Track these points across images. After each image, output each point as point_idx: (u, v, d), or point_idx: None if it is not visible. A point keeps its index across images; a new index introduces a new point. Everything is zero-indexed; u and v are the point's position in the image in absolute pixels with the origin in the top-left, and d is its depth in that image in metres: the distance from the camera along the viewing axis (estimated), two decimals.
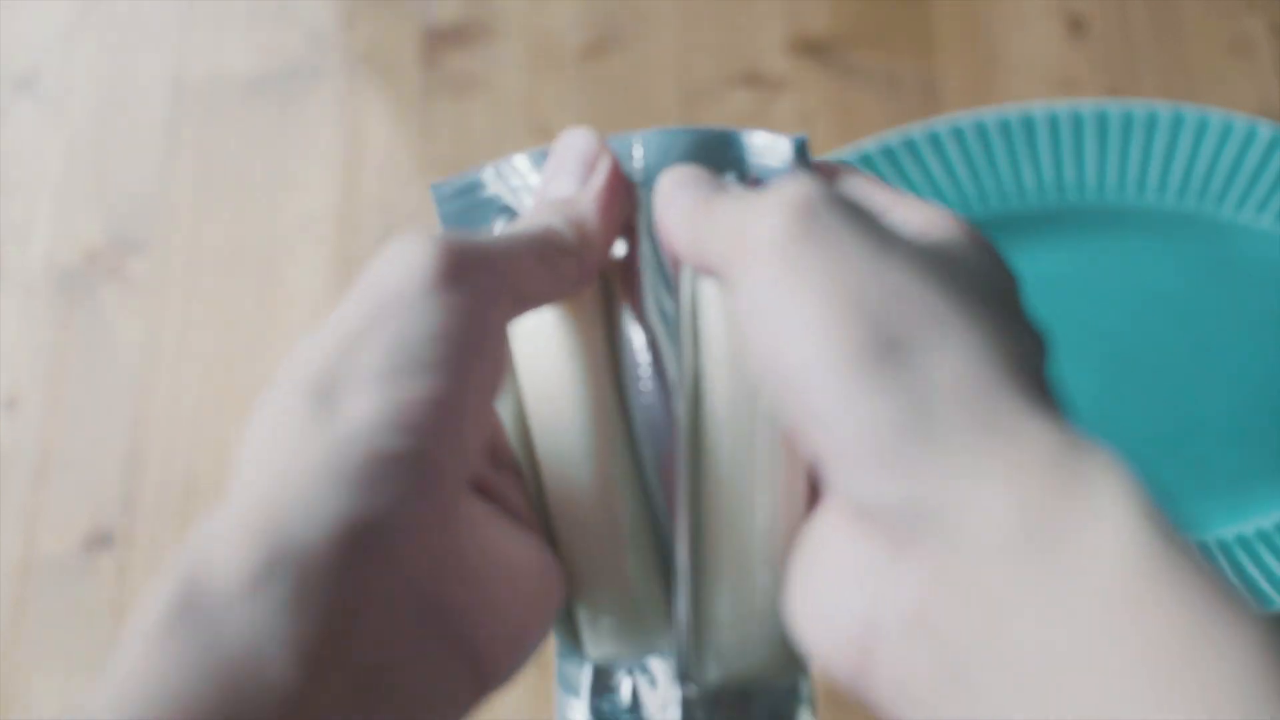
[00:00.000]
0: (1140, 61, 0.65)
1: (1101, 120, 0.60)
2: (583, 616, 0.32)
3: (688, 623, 0.31)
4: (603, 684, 0.32)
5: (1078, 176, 0.60)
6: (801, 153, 0.33)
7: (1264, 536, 0.53)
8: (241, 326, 0.63)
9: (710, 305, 0.31)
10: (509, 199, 0.35)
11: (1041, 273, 0.59)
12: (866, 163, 0.60)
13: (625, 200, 0.33)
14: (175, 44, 0.70)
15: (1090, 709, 0.21)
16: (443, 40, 0.68)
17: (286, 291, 0.63)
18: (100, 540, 0.58)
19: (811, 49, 0.65)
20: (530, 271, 0.29)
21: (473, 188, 0.35)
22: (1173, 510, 0.22)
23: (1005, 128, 0.60)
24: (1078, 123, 0.60)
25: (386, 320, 0.27)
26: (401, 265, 0.28)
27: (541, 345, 0.32)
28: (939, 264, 0.26)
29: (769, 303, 0.26)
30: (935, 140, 0.60)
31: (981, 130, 0.60)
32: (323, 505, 0.25)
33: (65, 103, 0.69)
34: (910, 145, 0.60)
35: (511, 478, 0.32)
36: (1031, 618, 0.22)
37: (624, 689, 0.32)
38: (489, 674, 0.27)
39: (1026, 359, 0.25)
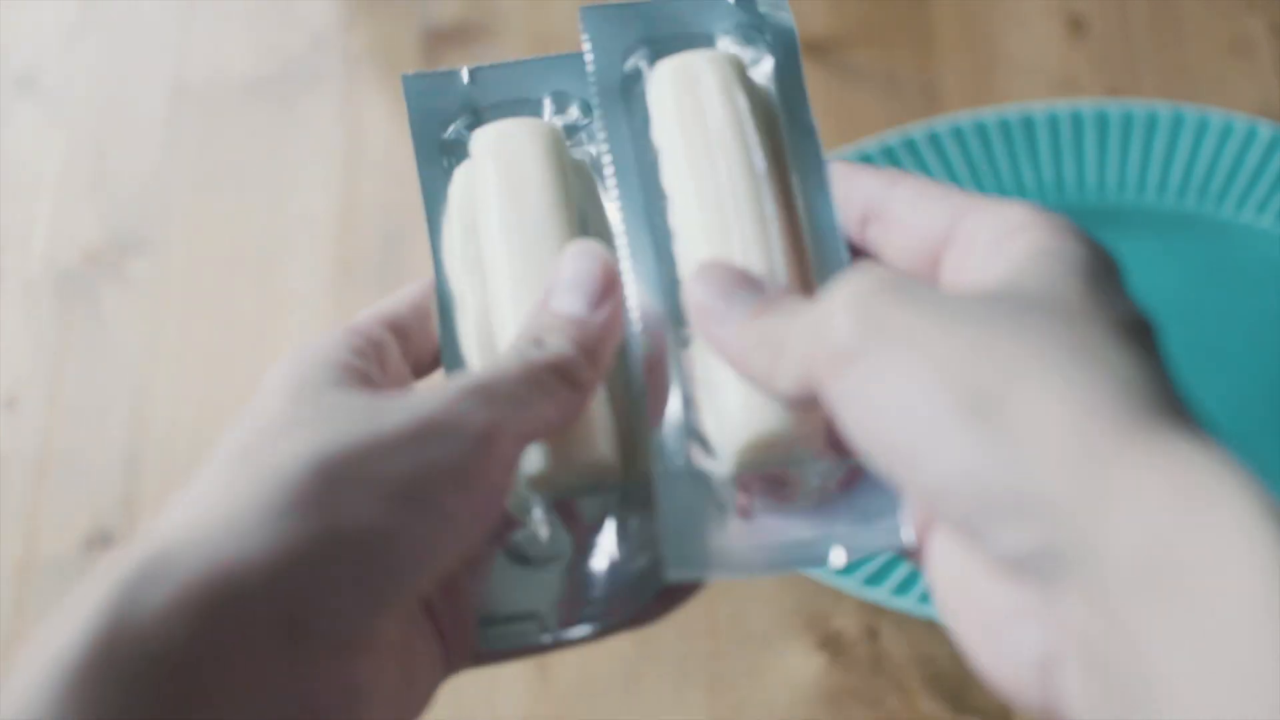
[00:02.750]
0: (1140, 61, 0.65)
1: (1101, 120, 0.60)
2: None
3: (684, 392, 0.31)
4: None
5: (1078, 176, 0.60)
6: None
7: None
8: (241, 326, 0.63)
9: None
10: (478, 98, 0.36)
11: None
12: (866, 163, 0.60)
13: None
14: (175, 44, 0.70)
15: None
16: (443, 40, 0.68)
17: (286, 291, 0.63)
18: (100, 540, 0.58)
19: (811, 49, 0.65)
20: (534, 409, 0.30)
21: (445, 84, 0.36)
22: None
23: (1005, 128, 0.60)
24: (1078, 123, 0.60)
25: (426, 446, 0.28)
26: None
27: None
28: (1009, 307, 0.26)
29: (863, 397, 0.26)
30: (935, 140, 0.60)
31: (981, 130, 0.60)
32: (272, 582, 0.25)
33: (65, 103, 0.69)
34: (910, 145, 0.60)
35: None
36: (1179, 647, 0.22)
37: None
38: None
39: (1130, 372, 0.25)
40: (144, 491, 0.59)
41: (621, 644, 0.54)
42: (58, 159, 0.67)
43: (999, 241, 0.29)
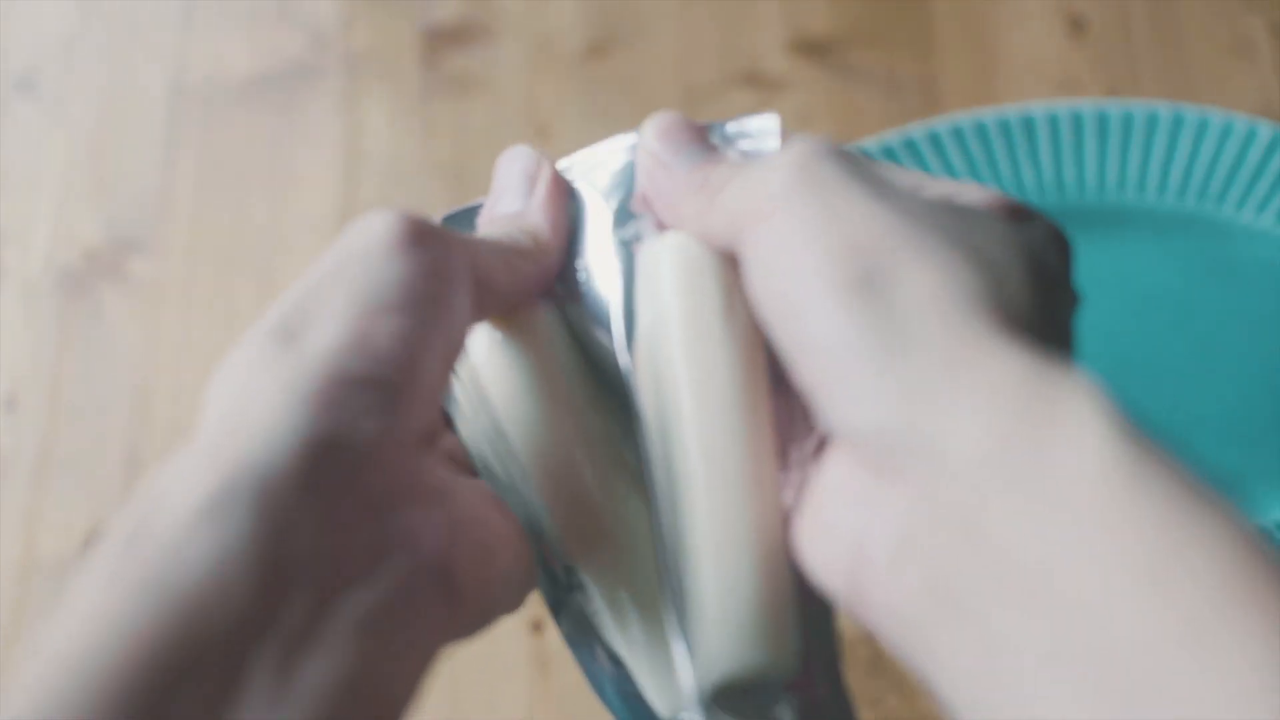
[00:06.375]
0: (1140, 61, 0.65)
1: (1101, 120, 0.60)
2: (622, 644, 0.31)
3: (679, 622, 0.30)
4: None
5: (1078, 176, 0.60)
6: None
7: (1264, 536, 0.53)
8: (241, 326, 0.62)
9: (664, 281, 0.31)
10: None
11: None
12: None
13: (567, 204, 0.34)
14: (175, 44, 0.70)
15: (1074, 608, 0.21)
16: (443, 40, 0.68)
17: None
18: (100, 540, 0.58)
19: (811, 49, 0.65)
20: (489, 262, 0.30)
21: (470, 214, 0.36)
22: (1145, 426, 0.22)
23: (1005, 128, 0.60)
24: (1078, 123, 0.60)
25: (351, 270, 0.28)
26: (366, 230, 0.29)
27: (504, 364, 0.32)
28: (935, 209, 0.27)
29: (770, 251, 0.27)
30: (935, 140, 0.60)
31: (981, 130, 0.60)
32: (282, 426, 0.25)
33: (65, 103, 0.69)
34: (910, 145, 0.60)
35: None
36: (1012, 530, 0.22)
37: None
38: (463, 604, 0.27)
39: (1020, 297, 0.26)
40: None
41: None
42: (58, 159, 0.67)
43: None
